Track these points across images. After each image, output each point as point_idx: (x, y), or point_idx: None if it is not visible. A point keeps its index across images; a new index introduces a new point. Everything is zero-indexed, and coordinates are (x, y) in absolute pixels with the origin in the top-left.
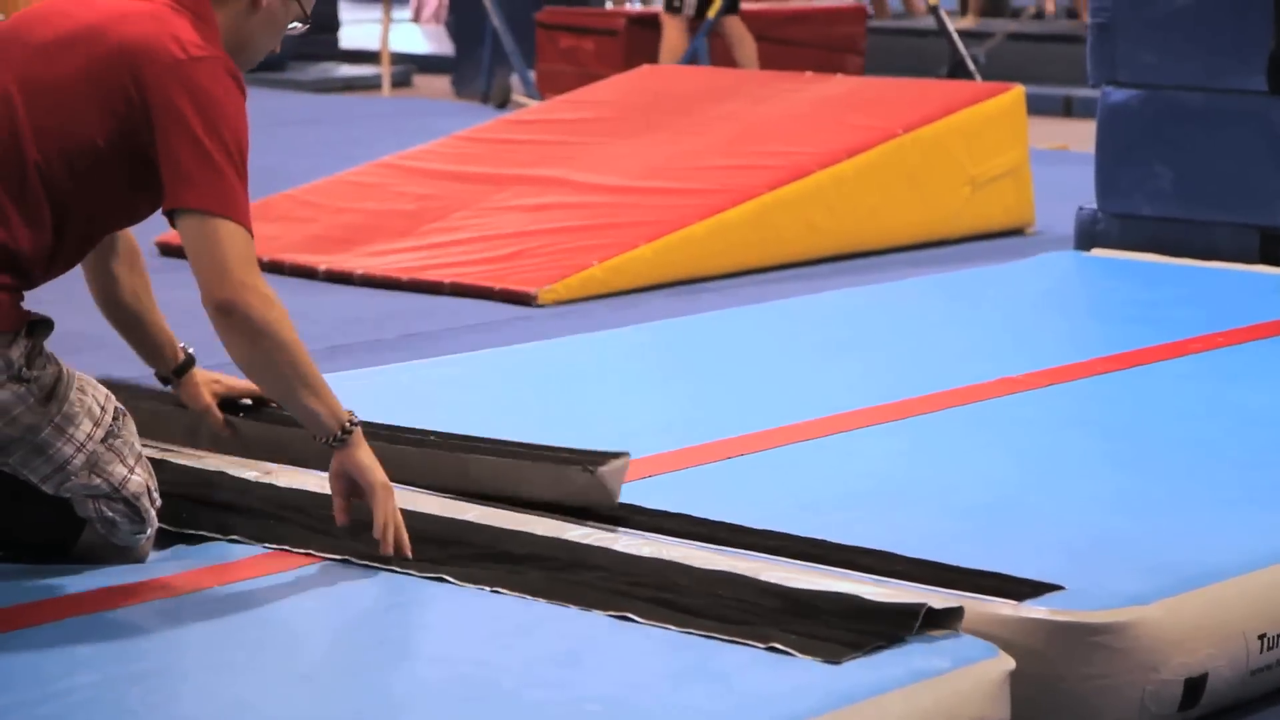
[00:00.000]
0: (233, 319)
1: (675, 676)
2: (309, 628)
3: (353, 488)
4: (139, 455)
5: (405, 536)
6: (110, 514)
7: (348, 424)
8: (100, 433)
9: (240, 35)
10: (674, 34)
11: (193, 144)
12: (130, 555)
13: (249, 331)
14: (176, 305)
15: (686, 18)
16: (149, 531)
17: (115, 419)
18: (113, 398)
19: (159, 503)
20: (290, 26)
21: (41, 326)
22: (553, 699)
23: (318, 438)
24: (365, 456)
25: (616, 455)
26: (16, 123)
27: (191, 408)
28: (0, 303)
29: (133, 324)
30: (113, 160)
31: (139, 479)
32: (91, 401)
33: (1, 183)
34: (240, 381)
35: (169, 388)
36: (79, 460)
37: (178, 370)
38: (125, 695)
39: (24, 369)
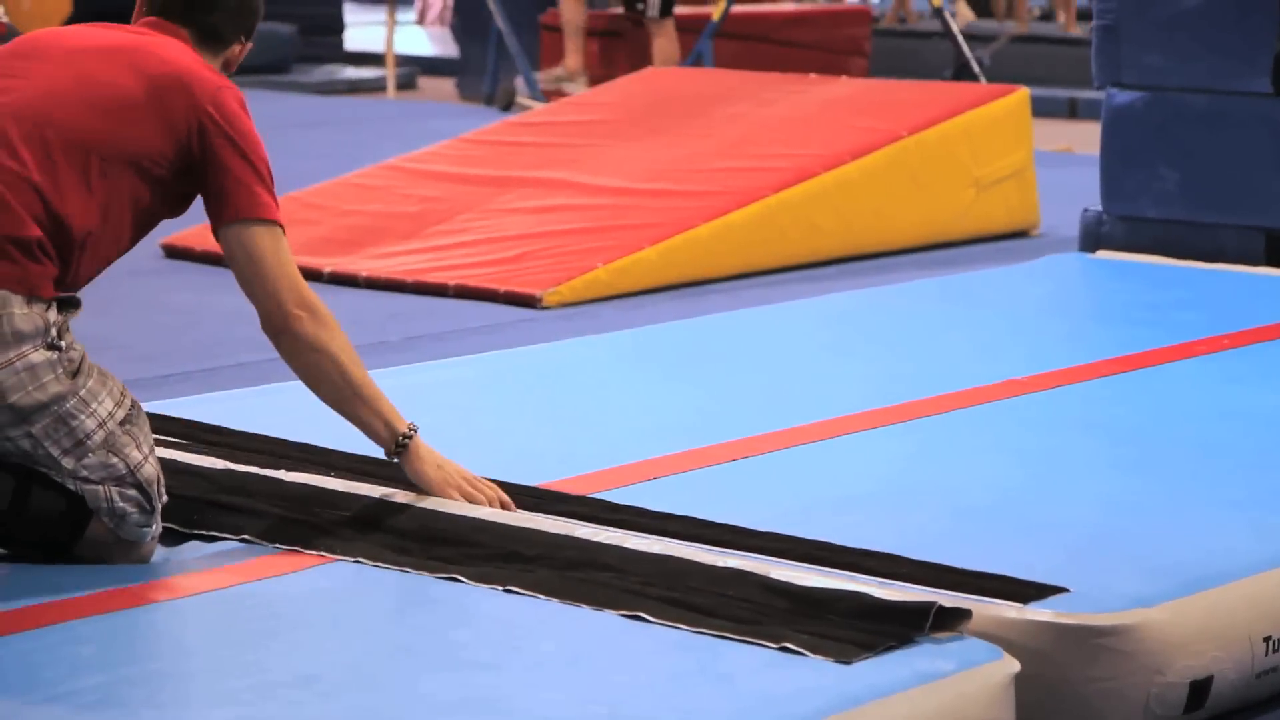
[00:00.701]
0: (286, 338)
1: (680, 678)
2: (317, 629)
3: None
4: (153, 447)
5: (497, 494)
6: (121, 504)
7: (402, 437)
8: (121, 413)
9: None
10: (570, 6)
11: (243, 162)
12: (135, 554)
13: (303, 348)
14: (181, 307)
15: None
16: (155, 528)
17: (133, 408)
18: (129, 391)
19: (165, 498)
20: None
21: (70, 304)
22: (558, 700)
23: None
24: (423, 467)
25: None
26: (78, 111)
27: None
28: (45, 270)
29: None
30: (158, 167)
31: (152, 467)
32: (113, 385)
33: (65, 159)
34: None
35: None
36: (99, 436)
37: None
38: (131, 697)
39: (56, 339)
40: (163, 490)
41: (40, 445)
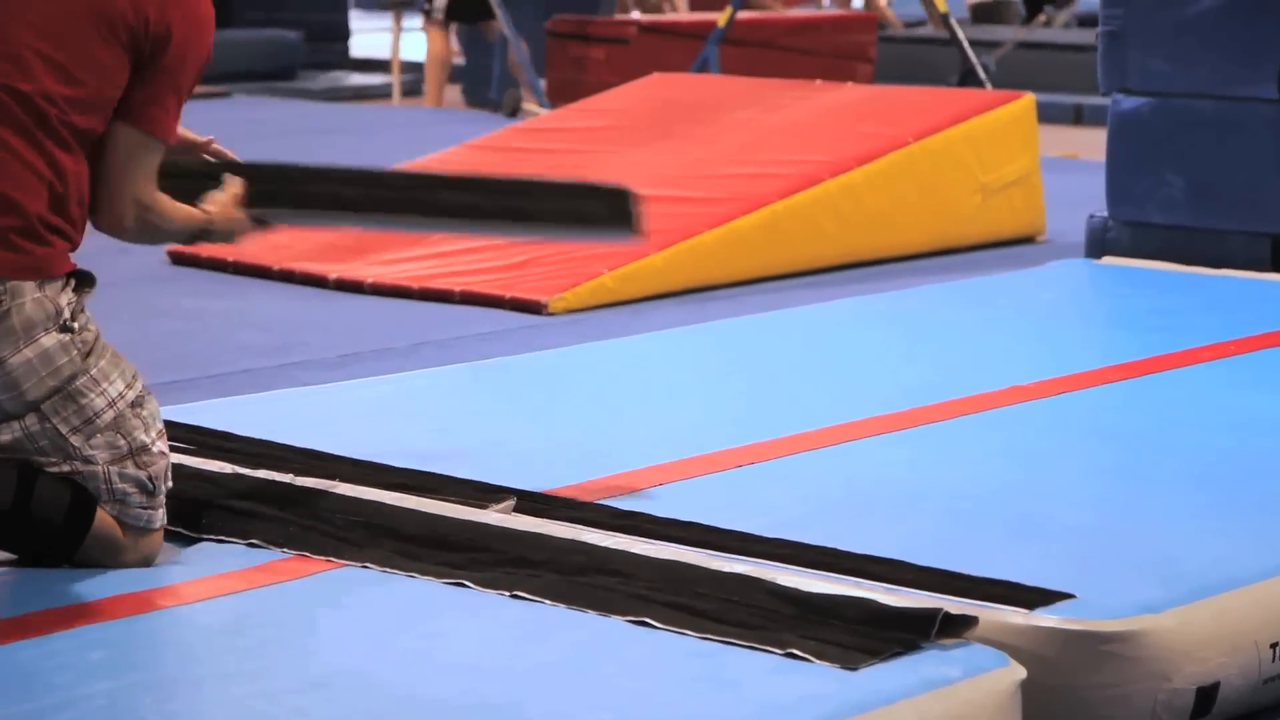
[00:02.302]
0: (125, 232)
1: (686, 684)
2: (325, 634)
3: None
4: (161, 432)
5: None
6: (121, 484)
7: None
8: (131, 395)
9: None
10: (435, 41)
11: (169, 76)
12: (141, 549)
13: (138, 235)
14: (187, 314)
15: (437, 21)
16: (159, 515)
17: (144, 391)
18: (140, 375)
19: (170, 484)
20: None
21: (85, 281)
22: (564, 706)
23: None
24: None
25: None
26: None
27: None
28: (55, 246)
29: None
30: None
31: (159, 451)
32: (125, 367)
33: (39, 129)
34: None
35: None
36: (108, 416)
37: None
38: (140, 703)
39: (69, 320)
40: (169, 477)
41: (48, 421)
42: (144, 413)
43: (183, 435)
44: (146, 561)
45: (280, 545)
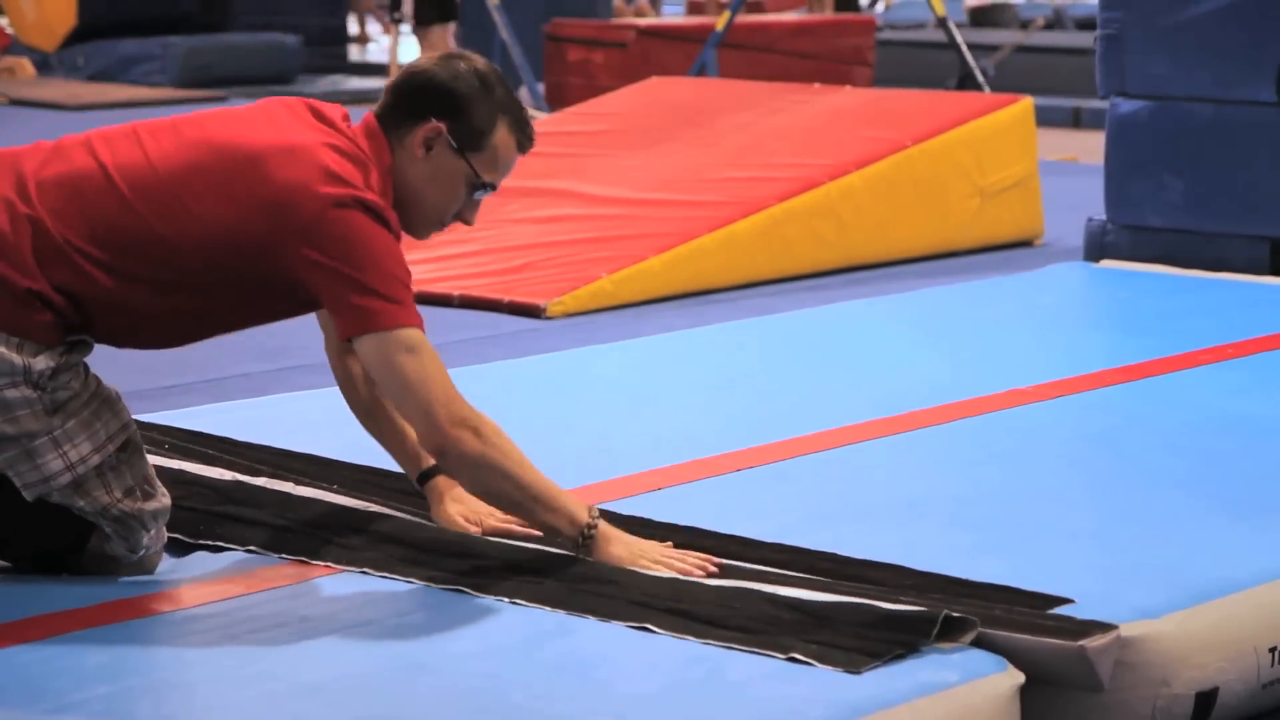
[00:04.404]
0: (449, 459)
1: (688, 689)
2: (323, 640)
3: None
4: (130, 488)
5: (695, 562)
6: (104, 526)
7: (586, 530)
8: (96, 459)
9: (408, 182)
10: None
11: (345, 281)
12: (137, 567)
13: (468, 466)
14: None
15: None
16: (145, 546)
17: (122, 450)
18: (131, 430)
19: (155, 532)
20: (477, 193)
21: (79, 347)
22: (565, 712)
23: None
24: (618, 550)
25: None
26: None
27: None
28: (41, 320)
29: (374, 421)
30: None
31: (126, 507)
32: (101, 428)
33: (106, 236)
34: (481, 508)
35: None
36: (65, 479)
37: (421, 478)
38: (138, 708)
39: (43, 378)
40: (150, 525)
41: (5, 472)
42: (110, 474)
43: (181, 440)
44: (146, 572)
45: (278, 551)
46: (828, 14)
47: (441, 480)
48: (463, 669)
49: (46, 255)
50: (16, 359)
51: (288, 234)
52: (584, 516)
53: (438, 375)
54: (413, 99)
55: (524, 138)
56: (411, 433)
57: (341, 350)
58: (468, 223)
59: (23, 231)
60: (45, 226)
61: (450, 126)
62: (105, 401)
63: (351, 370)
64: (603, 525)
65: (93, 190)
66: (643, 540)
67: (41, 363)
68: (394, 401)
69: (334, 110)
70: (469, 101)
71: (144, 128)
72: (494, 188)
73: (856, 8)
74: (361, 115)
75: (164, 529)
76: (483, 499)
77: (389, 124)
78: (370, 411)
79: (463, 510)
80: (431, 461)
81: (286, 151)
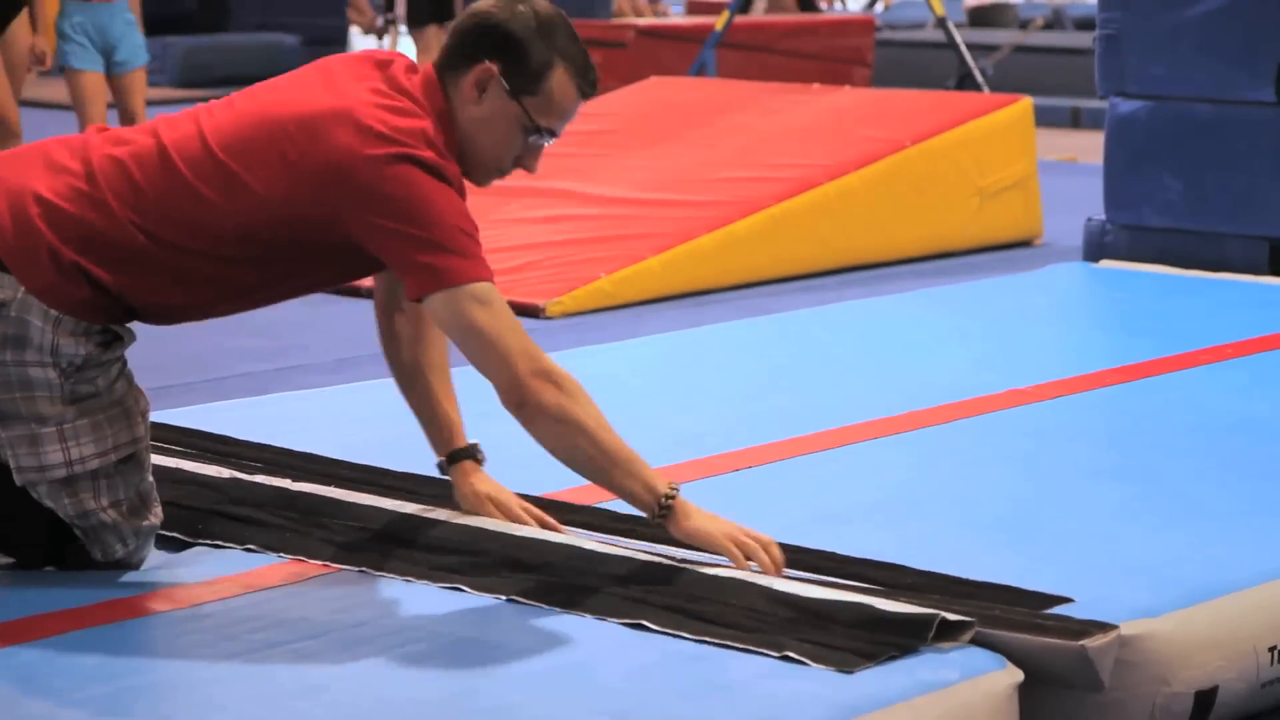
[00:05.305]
0: (527, 410)
1: (683, 687)
2: (322, 639)
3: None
4: (119, 500)
5: (772, 554)
6: (76, 529)
7: (664, 499)
8: (95, 463)
9: (462, 126)
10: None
11: (408, 240)
12: (122, 561)
13: (548, 419)
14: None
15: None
16: (122, 551)
17: (123, 463)
18: (140, 445)
19: (134, 546)
20: (534, 138)
21: (115, 343)
22: (561, 709)
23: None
24: (696, 523)
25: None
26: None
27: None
28: (81, 296)
29: (411, 385)
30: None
31: (106, 518)
32: (110, 435)
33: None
34: (514, 505)
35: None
36: (60, 474)
37: (451, 457)
38: (136, 707)
39: (71, 365)
40: (132, 537)
41: (4, 449)
42: (105, 482)
43: (181, 439)
44: (133, 567)
45: (277, 550)
46: (789, 16)
47: (469, 462)
48: (460, 668)
49: (108, 235)
50: (49, 336)
51: (345, 201)
52: (662, 487)
53: (514, 326)
54: (468, 40)
55: (585, 84)
56: (446, 405)
57: (389, 306)
58: (530, 170)
59: (86, 209)
60: (110, 207)
61: (503, 68)
62: (124, 411)
63: (397, 329)
64: (680, 498)
65: (154, 170)
66: (721, 518)
67: (71, 346)
68: (471, 358)
69: (397, 60)
70: (524, 42)
71: (203, 108)
72: (553, 134)
73: (817, 9)
74: None
75: (149, 544)
76: (559, 456)
77: (446, 67)
78: (411, 375)
79: (490, 491)
80: (462, 442)
81: (332, 115)
